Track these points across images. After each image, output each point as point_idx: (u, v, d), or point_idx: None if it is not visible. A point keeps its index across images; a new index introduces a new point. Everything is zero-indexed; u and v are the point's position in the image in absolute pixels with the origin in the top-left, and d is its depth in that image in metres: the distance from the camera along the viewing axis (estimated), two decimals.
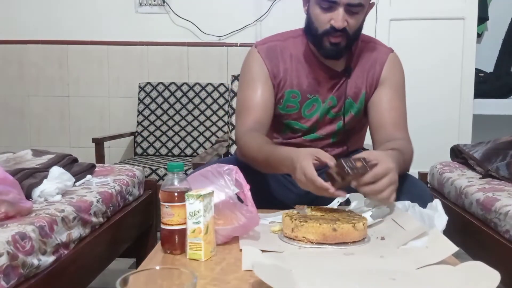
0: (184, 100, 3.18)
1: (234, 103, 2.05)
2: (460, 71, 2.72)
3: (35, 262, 1.09)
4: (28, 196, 1.34)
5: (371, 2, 1.39)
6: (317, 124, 1.47)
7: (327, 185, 1.10)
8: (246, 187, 1.07)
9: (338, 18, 1.31)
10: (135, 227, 1.84)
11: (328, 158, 1.15)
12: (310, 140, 1.48)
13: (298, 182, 1.17)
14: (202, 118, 3.16)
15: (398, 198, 1.26)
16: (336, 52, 1.38)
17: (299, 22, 1.49)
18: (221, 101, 3.13)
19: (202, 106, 3.16)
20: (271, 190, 1.47)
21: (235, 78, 2.10)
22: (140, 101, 3.21)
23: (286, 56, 1.45)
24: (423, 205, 1.21)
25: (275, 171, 1.30)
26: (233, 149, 2.13)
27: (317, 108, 1.46)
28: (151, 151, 3.17)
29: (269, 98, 1.44)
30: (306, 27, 1.42)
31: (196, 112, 3.16)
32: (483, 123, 2.86)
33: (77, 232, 1.32)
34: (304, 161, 1.13)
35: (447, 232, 1.04)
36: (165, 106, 3.18)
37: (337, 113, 1.46)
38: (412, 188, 1.31)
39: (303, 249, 1.02)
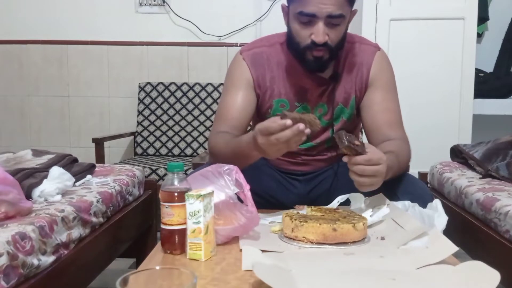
0: (184, 100, 3.18)
1: None
2: (460, 71, 2.72)
3: (35, 262, 1.09)
4: (28, 196, 1.34)
5: (353, 9, 1.33)
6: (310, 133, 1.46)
7: (282, 120, 1.05)
8: (246, 187, 1.07)
9: (318, 33, 1.26)
10: (135, 227, 1.84)
11: (278, 117, 1.09)
12: (305, 149, 1.47)
13: (265, 149, 1.11)
14: (202, 118, 3.16)
15: (398, 198, 1.26)
16: (320, 65, 1.34)
17: None
18: None
19: (202, 106, 3.16)
20: (271, 190, 1.47)
21: None
22: (140, 101, 3.21)
23: (272, 63, 1.42)
24: (423, 205, 1.21)
25: (245, 161, 1.23)
26: None
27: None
28: (151, 151, 3.17)
29: (247, 105, 1.41)
30: (288, 41, 1.38)
31: (196, 112, 3.16)
32: (483, 123, 2.86)
33: (77, 232, 1.32)
34: (257, 126, 1.10)
35: (447, 232, 1.04)
36: (165, 106, 3.18)
37: (329, 120, 1.44)
38: (412, 188, 1.31)
39: (303, 249, 1.02)
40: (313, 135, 1.45)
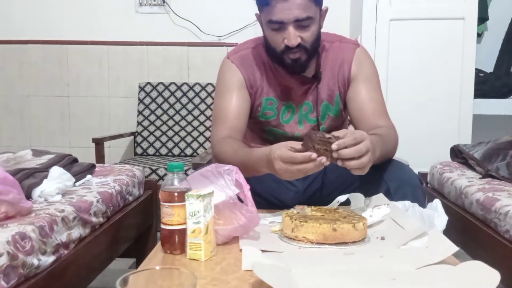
0: (184, 100, 3.18)
1: None
2: (460, 71, 2.72)
3: (35, 262, 1.09)
4: (28, 196, 1.34)
5: (323, 8, 1.38)
6: (298, 131, 1.49)
7: (308, 153, 1.07)
8: (246, 187, 1.07)
9: (289, 37, 1.32)
10: (135, 227, 1.84)
11: (293, 142, 1.13)
12: None
13: (281, 174, 1.14)
14: (202, 118, 3.16)
15: (386, 184, 1.28)
16: (300, 66, 1.39)
17: None
18: None
19: (202, 106, 3.16)
20: (271, 189, 1.47)
21: None
22: (140, 101, 3.21)
23: (259, 63, 1.47)
24: (413, 190, 1.23)
25: (253, 173, 1.25)
26: None
27: (293, 114, 1.48)
28: (151, 151, 3.17)
29: (243, 105, 1.44)
30: (266, 48, 1.44)
31: (196, 112, 3.16)
32: (483, 123, 2.86)
33: (77, 232, 1.32)
34: (278, 150, 1.12)
35: (447, 232, 1.05)
36: (165, 106, 3.18)
37: (315, 118, 1.48)
38: (400, 173, 1.33)
39: (303, 249, 1.02)
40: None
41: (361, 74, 1.45)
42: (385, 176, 1.31)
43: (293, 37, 1.31)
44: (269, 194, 1.46)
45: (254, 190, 1.09)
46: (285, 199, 1.45)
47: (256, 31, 3.25)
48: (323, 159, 1.08)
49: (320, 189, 1.47)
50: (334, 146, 1.08)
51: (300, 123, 1.49)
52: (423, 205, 1.21)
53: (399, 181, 1.29)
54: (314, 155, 1.07)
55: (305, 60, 1.38)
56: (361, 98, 1.44)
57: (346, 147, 1.07)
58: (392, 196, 1.27)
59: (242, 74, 1.46)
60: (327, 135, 1.09)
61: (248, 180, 1.09)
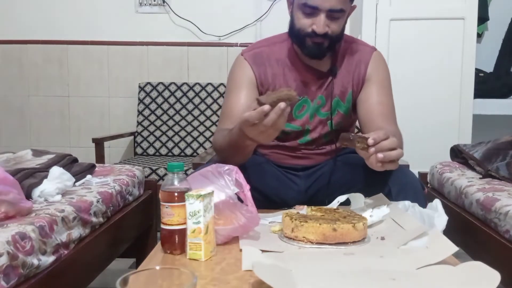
0: (184, 100, 3.18)
1: None
2: (460, 71, 2.72)
3: (35, 262, 1.09)
4: (28, 196, 1.34)
5: (352, 5, 1.41)
6: (308, 124, 1.49)
7: (260, 108, 1.08)
8: (246, 187, 1.07)
9: (319, 24, 1.33)
10: (135, 227, 1.84)
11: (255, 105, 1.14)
12: (305, 143, 1.51)
13: (257, 139, 1.17)
14: (202, 118, 3.16)
15: (388, 188, 1.29)
16: (319, 51, 1.40)
17: None
18: (221, 101, 3.13)
19: (202, 106, 3.16)
20: (272, 187, 1.48)
21: None
22: (140, 101, 3.20)
23: (273, 61, 1.47)
24: (415, 194, 1.24)
25: (243, 150, 1.28)
26: None
27: (307, 108, 1.49)
28: (151, 151, 3.17)
29: (251, 103, 1.43)
30: (290, 28, 1.44)
31: (196, 112, 3.16)
32: (483, 123, 2.86)
33: (77, 232, 1.32)
34: (241, 121, 1.14)
35: (447, 232, 1.05)
36: (165, 106, 3.18)
37: (327, 112, 1.49)
38: (403, 177, 1.34)
39: (303, 249, 1.02)
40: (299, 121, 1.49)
41: (375, 76, 1.47)
42: (388, 180, 1.31)
43: (322, 25, 1.33)
44: (270, 192, 1.46)
45: (255, 187, 1.10)
46: (286, 198, 1.46)
47: (256, 31, 3.27)
48: (281, 104, 1.08)
49: (323, 191, 1.47)
50: (370, 141, 1.09)
51: (311, 117, 1.49)
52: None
53: (401, 185, 1.29)
54: (267, 106, 1.07)
55: (326, 48, 1.38)
56: (371, 100, 1.45)
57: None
58: (393, 199, 1.27)
59: (254, 71, 1.46)
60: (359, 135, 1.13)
61: (249, 177, 1.09)
